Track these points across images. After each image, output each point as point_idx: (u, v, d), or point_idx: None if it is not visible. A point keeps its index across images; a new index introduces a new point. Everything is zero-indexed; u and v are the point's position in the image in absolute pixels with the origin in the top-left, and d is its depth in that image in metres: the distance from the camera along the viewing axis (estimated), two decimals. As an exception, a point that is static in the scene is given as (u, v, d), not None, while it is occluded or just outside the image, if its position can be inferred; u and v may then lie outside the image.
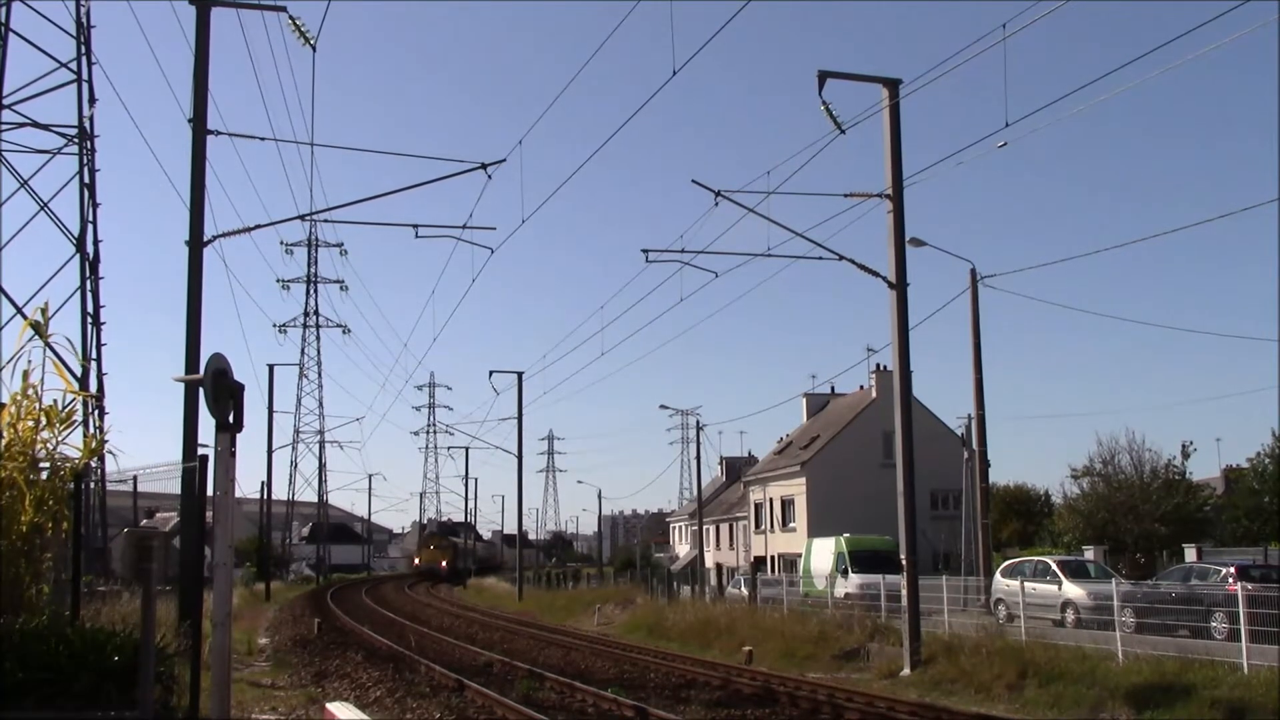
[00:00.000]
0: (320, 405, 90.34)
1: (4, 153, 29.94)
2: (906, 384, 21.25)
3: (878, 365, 56.31)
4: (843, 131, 19.67)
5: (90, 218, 32.67)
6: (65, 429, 11.60)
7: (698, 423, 61.13)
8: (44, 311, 12.52)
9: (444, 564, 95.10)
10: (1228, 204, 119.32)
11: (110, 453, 15.01)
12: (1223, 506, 44.37)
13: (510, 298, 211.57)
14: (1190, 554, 34.62)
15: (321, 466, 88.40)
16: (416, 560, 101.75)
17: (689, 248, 22.77)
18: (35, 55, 31.30)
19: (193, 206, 18.87)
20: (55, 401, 11.68)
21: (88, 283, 32.36)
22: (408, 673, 19.22)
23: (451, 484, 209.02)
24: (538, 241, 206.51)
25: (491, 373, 54.96)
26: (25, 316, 28.88)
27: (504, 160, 20.16)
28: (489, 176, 20.15)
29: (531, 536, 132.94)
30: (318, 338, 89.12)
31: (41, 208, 31.38)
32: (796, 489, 57.70)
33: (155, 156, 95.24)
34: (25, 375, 11.41)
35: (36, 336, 12.05)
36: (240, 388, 9.51)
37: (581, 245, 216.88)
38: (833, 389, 63.71)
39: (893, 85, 20.96)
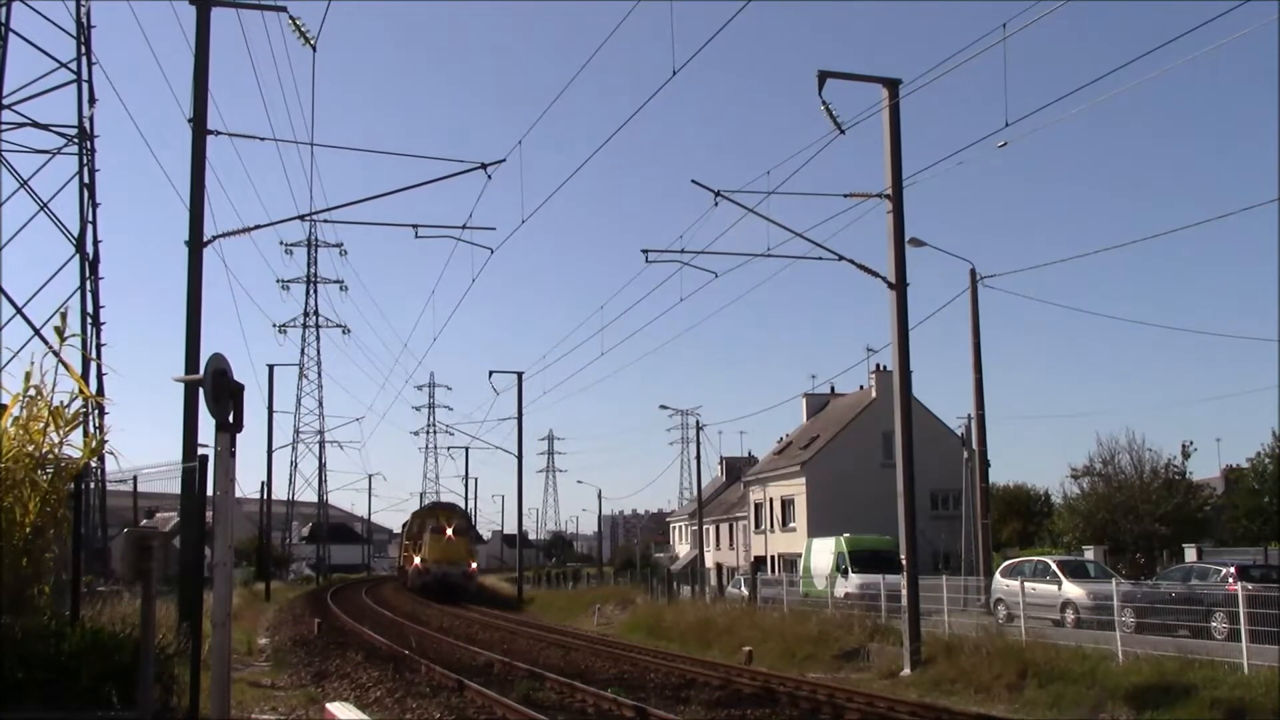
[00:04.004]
0: (320, 405, 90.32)
1: (4, 153, 29.95)
2: (906, 384, 21.25)
3: (878, 365, 56.39)
4: (843, 131, 19.68)
5: (90, 218, 32.66)
6: (69, 429, 11.63)
7: (698, 423, 61.26)
8: (64, 317, 12.62)
9: (472, 566, 56.52)
10: (1228, 204, 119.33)
11: (110, 453, 15.02)
12: (1223, 506, 44.35)
13: (510, 298, 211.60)
14: (1190, 554, 34.63)
15: (321, 466, 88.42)
16: (417, 560, 56.55)
17: (689, 248, 22.80)
18: (35, 55, 31.28)
19: (193, 206, 18.87)
20: (61, 402, 11.71)
21: (88, 283, 32.35)
22: (408, 673, 19.21)
23: (451, 484, 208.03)
24: (538, 241, 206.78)
25: (491, 373, 54.28)
26: (25, 317, 29.12)
27: (504, 160, 20.18)
28: (489, 176, 20.18)
29: (531, 536, 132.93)
30: (318, 338, 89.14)
31: (41, 208, 31.38)
32: (796, 489, 57.71)
33: (155, 156, 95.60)
34: (28, 376, 11.42)
35: (54, 339, 12.10)
36: (240, 388, 9.52)
37: (581, 245, 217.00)
38: (833, 389, 63.75)
39: (893, 85, 20.96)
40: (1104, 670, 16.81)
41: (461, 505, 74.67)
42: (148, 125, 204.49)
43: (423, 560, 55.36)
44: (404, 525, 70.83)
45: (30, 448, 11.03)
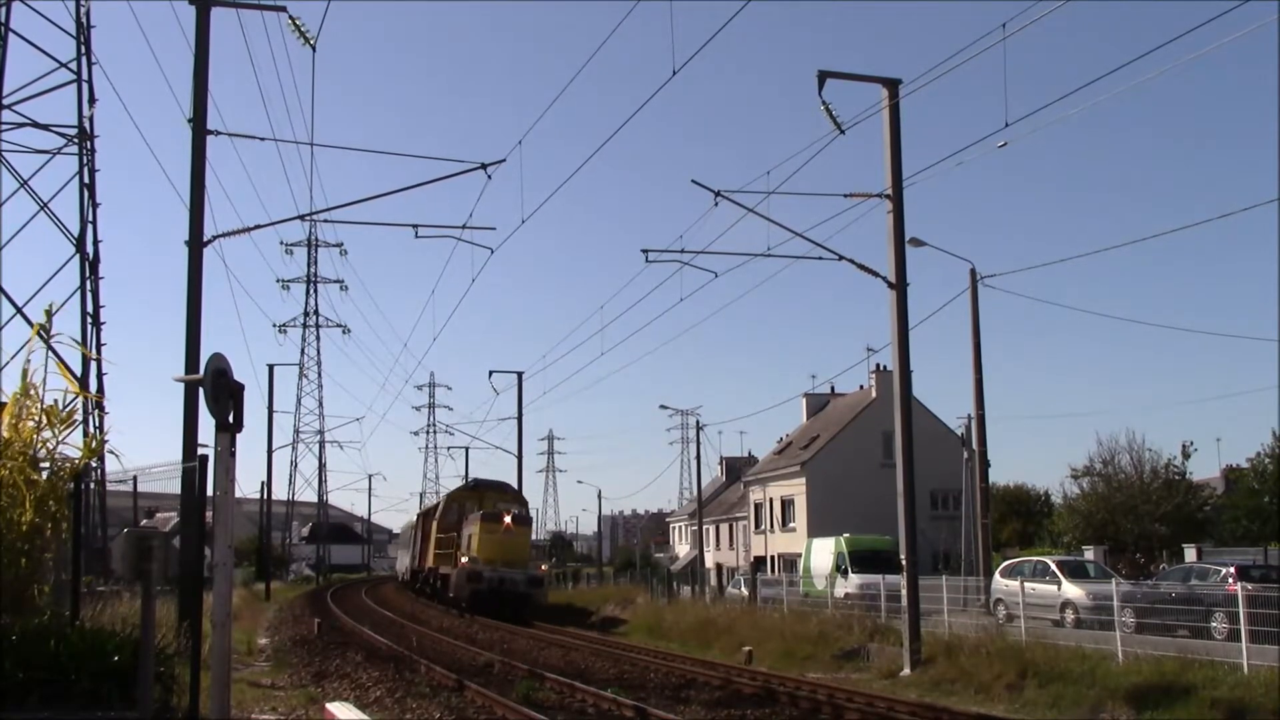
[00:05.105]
0: (320, 405, 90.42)
1: (4, 153, 29.98)
2: (906, 384, 21.26)
3: (878, 365, 56.43)
4: (843, 131, 19.68)
5: (90, 218, 32.69)
6: (65, 429, 11.63)
7: (698, 423, 61.29)
8: (49, 313, 12.56)
9: (542, 569, 43.94)
10: (1228, 204, 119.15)
11: (110, 453, 15.05)
12: (1223, 506, 44.36)
13: (510, 298, 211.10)
14: (1190, 554, 34.62)
15: (321, 466, 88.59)
16: (464, 560, 38.71)
17: (689, 248, 22.83)
18: (35, 55, 31.34)
19: (193, 206, 18.87)
20: (56, 401, 11.71)
21: (88, 283, 32.37)
22: (408, 673, 19.21)
23: (452, 484, 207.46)
24: (538, 241, 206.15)
25: (491, 373, 53.83)
26: (25, 316, 29.11)
27: (504, 160, 20.21)
28: (489, 176, 20.19)
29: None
30: (318, 338, 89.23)
31: (41, 208, 31.41)
32: (796, 489, 57.72)
33: (155, 156, 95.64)
34: (25, 375, 11.43)
35: (41, 336, 12.08)
36: (240, 388, 9.52)
37: (581, 245, 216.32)
38: (833, 389, 63.77)
39: (893, 85, 20.96)
40: (1104, 670, 16.81)
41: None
42: (148, 125, 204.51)
43: (472, 560, 37.98)
44: (425, 514, 53.54)
45: (19, 445, 11.03)
